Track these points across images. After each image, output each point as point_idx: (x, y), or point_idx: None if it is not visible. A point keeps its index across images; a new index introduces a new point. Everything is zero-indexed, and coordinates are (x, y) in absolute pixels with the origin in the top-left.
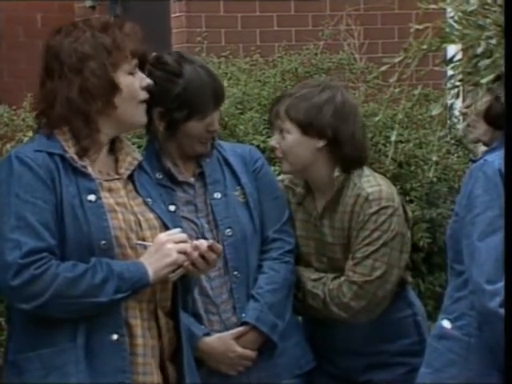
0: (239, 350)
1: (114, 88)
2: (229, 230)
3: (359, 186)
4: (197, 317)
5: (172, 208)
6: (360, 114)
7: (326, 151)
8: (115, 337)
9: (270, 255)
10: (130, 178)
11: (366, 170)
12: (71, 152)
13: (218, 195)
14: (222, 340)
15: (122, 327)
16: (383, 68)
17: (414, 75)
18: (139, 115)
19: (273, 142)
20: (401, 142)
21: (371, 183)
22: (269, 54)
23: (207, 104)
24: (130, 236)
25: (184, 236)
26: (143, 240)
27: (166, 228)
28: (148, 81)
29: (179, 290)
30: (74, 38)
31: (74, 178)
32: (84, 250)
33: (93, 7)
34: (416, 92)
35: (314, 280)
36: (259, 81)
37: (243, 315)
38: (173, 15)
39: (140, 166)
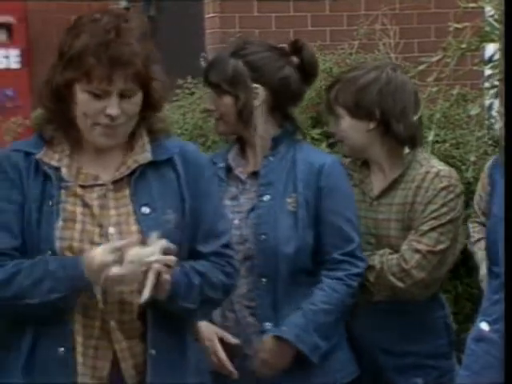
0: (219, 349)
1: (62, 94)
2: (263, 236)
3: (429, 164)
4: None
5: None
6: (414, 92)
7: (378, 131)
8: (61, 349)
9: (334, 274)
10: (136, 181)
11: (432, 156)
12: (48, 153)
13: (266, 198)
14: (209, 328)
15: (68, 341)
16: (421, 67)
17: (452, 75)
18: (94, 137)
19: (332, 127)
20: (437, 142)
21: (440, 163)
22: None
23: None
24: (84, 248)
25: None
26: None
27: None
28: (113, 112)
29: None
30: (78, 25)
31: (43, 180)
32: (39, 255)
33: (127, 8)
34: (454, 92)
35: (367, 255)
36: None
37: (283, 328)
38: (206, 16)
39: (157, 168)
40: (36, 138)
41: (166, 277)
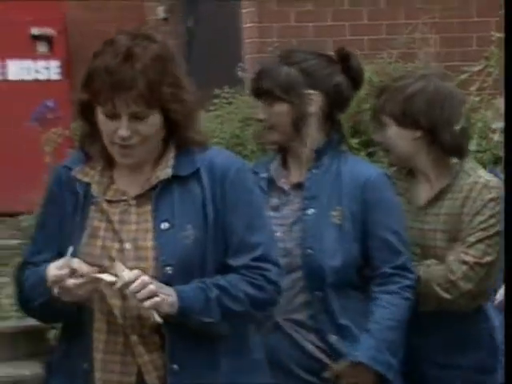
0: None
1: (88, 112)
2: (309, 250)
3: (476, 174)
4: None
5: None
6: (461, 102)
7: (425, 140)
8: (85, 365)
9: (388, 288)
10: (158, 197)
11: (479, 166)
12: (84, 169)
13: (310, 211)
14: None
15: (91, 357)
16: (463, 76)
17: (494, 84)
18: (116, 155)
19: (377, 136)
20: (479, 151)
21: (488, 174)
22: None
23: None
24: (102, 265)
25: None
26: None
27: (157, 260)
28: (123, 133)
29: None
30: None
31: (76, 195)
32: None
33: (165, 19)
34: (496, 101)
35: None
36: None
37: (357, 353)
38: (244, 25)
39: (182, 183)
40: (79, 153)
41: (156, 298)
